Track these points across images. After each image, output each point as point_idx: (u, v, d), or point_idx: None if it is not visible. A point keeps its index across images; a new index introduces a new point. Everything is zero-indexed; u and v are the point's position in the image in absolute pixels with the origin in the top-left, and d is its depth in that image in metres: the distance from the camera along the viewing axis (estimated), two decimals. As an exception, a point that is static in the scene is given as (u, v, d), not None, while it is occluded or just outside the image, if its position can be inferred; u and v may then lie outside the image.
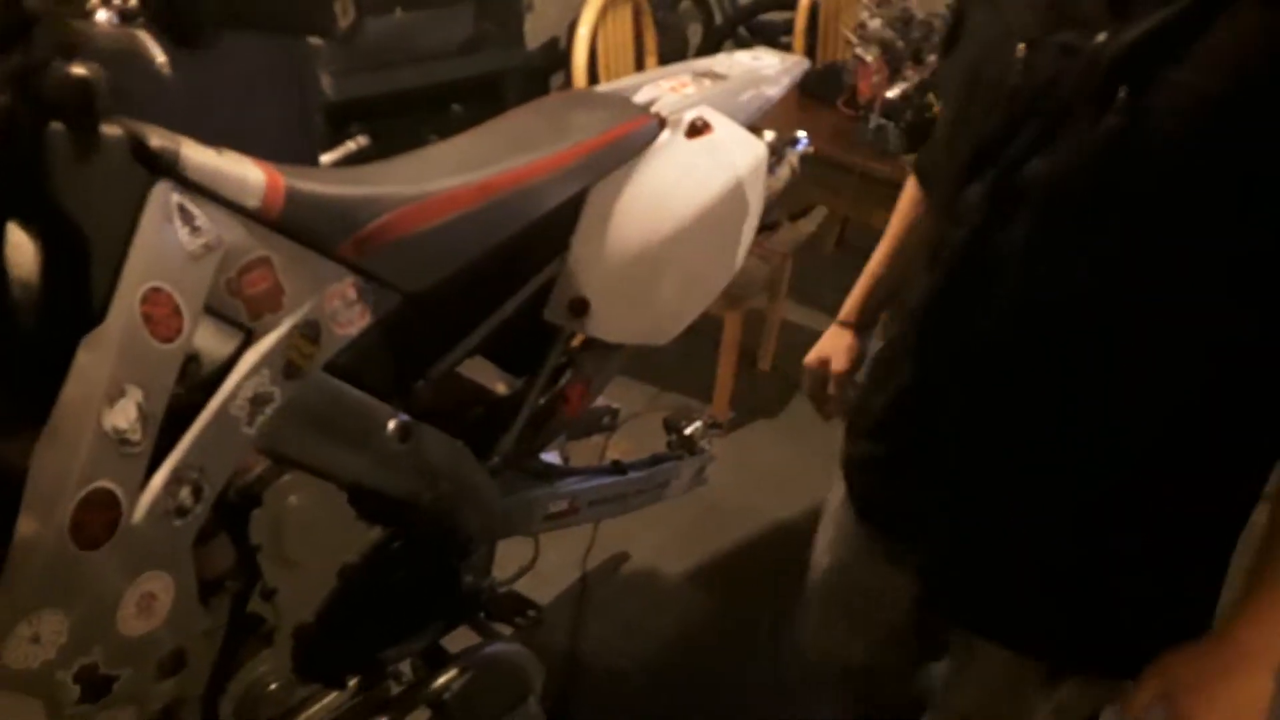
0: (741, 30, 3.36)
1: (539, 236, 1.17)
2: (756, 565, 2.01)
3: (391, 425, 1.08)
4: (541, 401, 1.30)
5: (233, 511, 0.98)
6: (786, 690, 1.75)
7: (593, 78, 2.12)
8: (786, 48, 3.18)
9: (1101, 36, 0.79)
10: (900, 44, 2.20)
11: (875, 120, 2.12)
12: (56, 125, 0.76)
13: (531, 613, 1.34)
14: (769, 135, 1.40)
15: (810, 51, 2.62)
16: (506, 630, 1.37)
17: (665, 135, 1.28)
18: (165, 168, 0.83)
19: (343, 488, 1.09)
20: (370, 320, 1.02)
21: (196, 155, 0.86)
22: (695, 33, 3.48)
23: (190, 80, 0.78)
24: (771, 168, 1.39)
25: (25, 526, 0.75)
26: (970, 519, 0.98)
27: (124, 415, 0.79)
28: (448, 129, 3.09)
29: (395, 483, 1.12)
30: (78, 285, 0.79)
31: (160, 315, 0.82)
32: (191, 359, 0.87)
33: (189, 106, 0.98)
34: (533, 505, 1.36)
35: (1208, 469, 0.89)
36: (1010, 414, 0.92)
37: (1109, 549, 0.93)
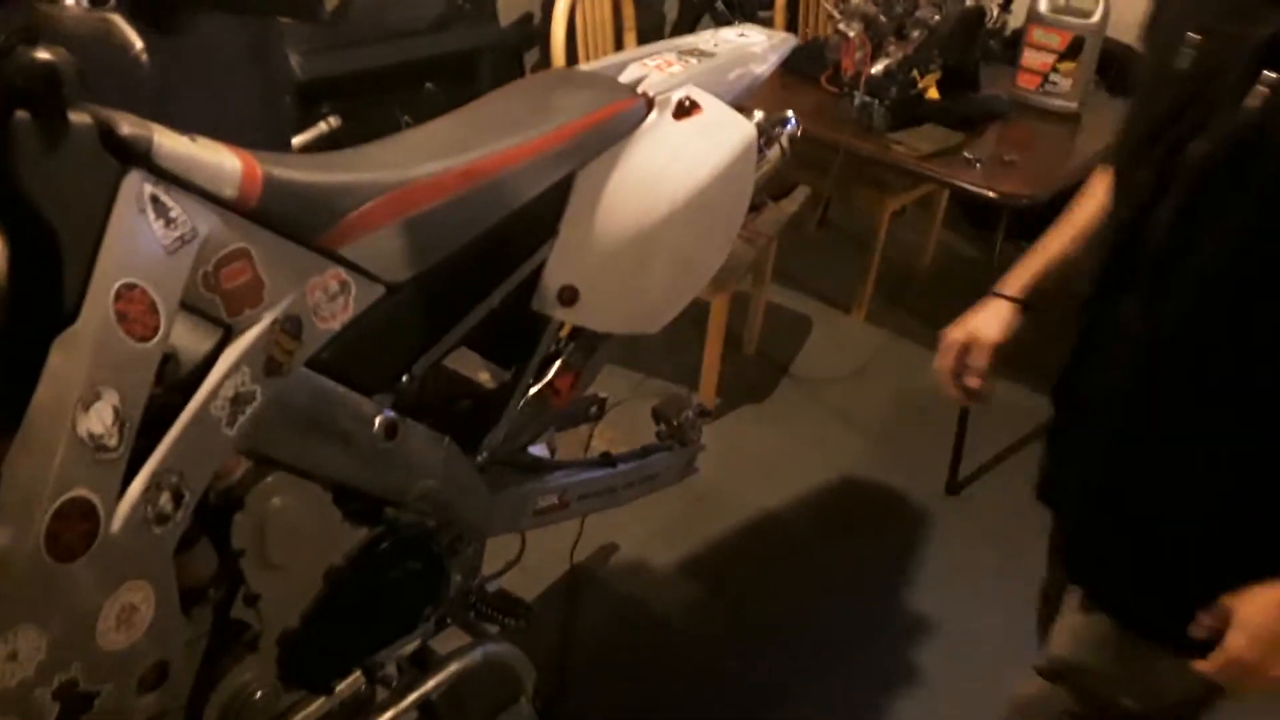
0: (719, 4, 3.30)
1: (526, 223, 1.13)
2: (746, 554, 1.99)
3: (377, 422, 1.04)
4: (530, 393, 1.26)
5: (214, 516, 0.94)
6: (778, 681, 1.74)
7: (570, 55, 2.07)
8: (765, 22, 3.13)
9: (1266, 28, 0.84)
10: (883, 19, 2.16)
11: (860, 98, 2.08)
12: (21, 114, 0.71)
13: (522, 613, 1.30)
14: (758, 115, 1.36)
15: (790, 27, 2.58)
16: (495, 629, 1.34)
17: (653, 116, 1.24)
18: (137, 157, 0.78)
19: (327, 487, 1.05)
20: (353, 313, 0.98)
21: (169, 143, 0.81)
22: (672, 7, 3.42)
23: (156, 63, 0.73)
24: (760, 149, 1.35)
25: None
26: (1112, 491, 1.04)
27: (99, 420, 0.75)
28: (421, 108, 3.04)
29: (381, 481, 1.09)
30: (48, 283, 0.75)
31: (135, 313, 0.77)
32: (168, 358, 0.82)
33: (155, 90, 0.93)
34: (522, 501, 1.33)
35: None
36: (1158, 397, 0.97)
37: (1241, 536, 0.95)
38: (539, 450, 1.45)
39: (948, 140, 2.05)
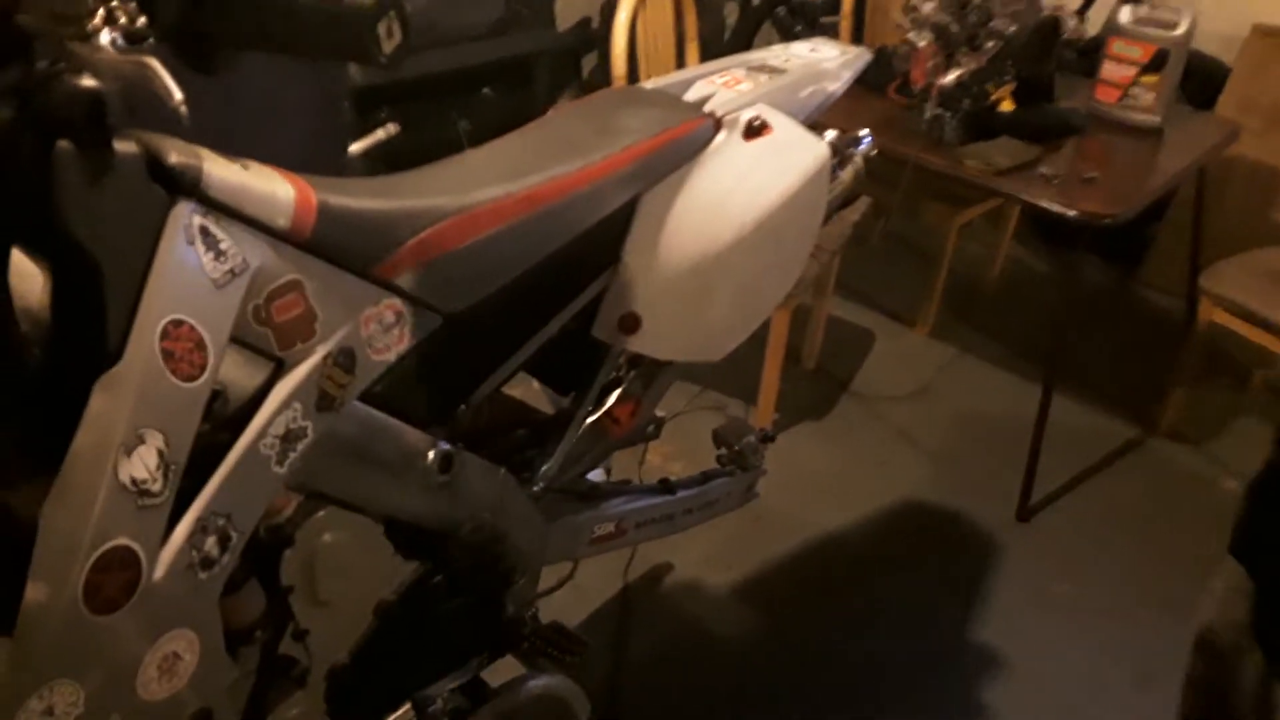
0: (780, 10, 3.23)
1: (587, 249, 1.09)
2: (805, 579, 1.93)
3: (432, 456, 1.00)
4: (588, 422, 1.22)
5: (262, 553, 0.91)
6: (836, 714, 1.67)
7: (631, 62, 2.02)
8: (829, 29, 3.06)
9: None
10: (955, 29, 2.08)
11: (931, 110, 2.01)
12: (64, 144, 0.68)
13: (577, 648, 1.26)
14: (830, 134, 1.30)
15: (856, 35, 2.50)
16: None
17: (721, 137, 1.19)
18: (186, 187, 0.75)
19: (378, 521, 1.02)
20: (409, 345, 0.94)
21: (220, 172, 0.78)
22: (733, 12, 3.36)
23: (203, 99, 0.69)
24: (833, 169, 1.29)
25: (34, 593, 0.67)
26: None
27: (143, 464, 0.71)
28: (478, 113, 3.02)
29: (435, 515, 1.05)
30: (90, 320, 0.72)
31: (182, 351, 0.74)
32: (216, 394, 0.79)
33: (209, 102, 0.90)
34: (578, 529, 1.28)
35: None
36: None
37: None
38: (594, 472, 1.40)
39: (1023, 155, 1.97)
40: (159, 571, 0.74)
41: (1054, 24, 2.18)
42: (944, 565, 1.99)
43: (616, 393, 1.24)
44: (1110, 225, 1.84)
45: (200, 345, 0.75)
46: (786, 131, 1.22)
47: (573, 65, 3.26)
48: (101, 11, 0.63)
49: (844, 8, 2.52)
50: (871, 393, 2.42)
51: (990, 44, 2.06)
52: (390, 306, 0.92)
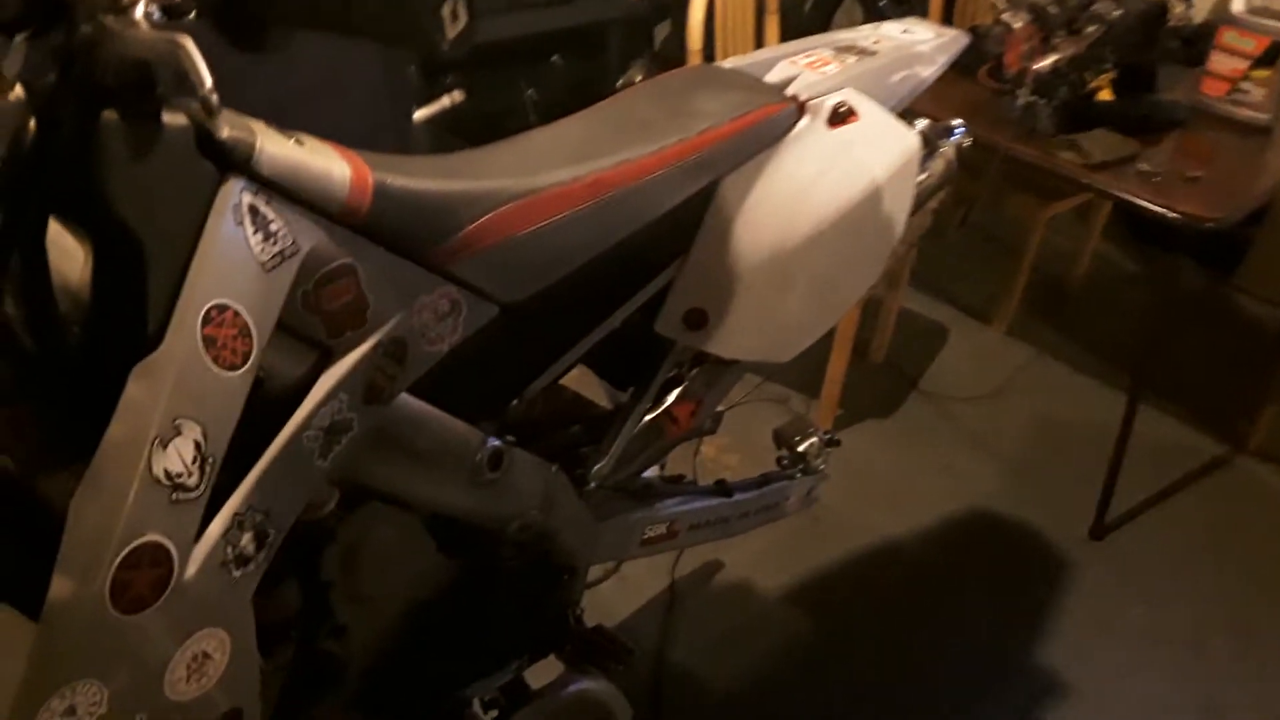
0: (864, -16, 3.10)
1: (656, 239, 1.02)
2: (860, 586, 1.85)
3: (482, 452, 0.95)
4: (646, 420, 1.16)
5: (301, 548, 0.86)
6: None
7: (708, 36, 1.94)
8: (916, 6, 2.92)
9: None
10: (1054, 11, 1.95)
11: (1024, 96, 1.89)
12: (110, 113, 0.64)
13: (622, 655, 1.21)
14: (921, 123, 1.22)
15: (946, 14, 2.37)
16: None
17: (804, 122, 1.11)
18: (237, 163, 0.70)
19: (422, 516, 0.97)
20: (463, 335, 0.89)
21: (273, 147, 0.73)
22: (813, -14, 3.23)
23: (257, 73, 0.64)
24: (922, 160, 1.21)
25: (59, 588, 0.64)
26: None
27: (178, 457, 0.67)
28: (545, 82, 2.95)
29: (482, 512, 1.00)
30: (131, 302, 0.67)
31: (225, 337, 0.69)
32: (258, 382, 0.75)
33: (268, 68, 0.85)
34: (629, 529, 1.23)
35: None
36: None
37: None
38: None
39: (1121, 149, 1.84)
40: (191, 569, 0.70)
41: (1161, 9, 2.03)
42: (1009, 580, 1.90)
43: (677, 391, 1.18)
44: (1214, 229, 1.71)
45: (244, 332, 0.71)
46: (875, 119, 1.13)
47: (645, 35, 3.17)
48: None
49: (934, -15, 2.39)
50: (942, 392, 2.32)
51: (1091, 29, 1.93)
52: (445, 295, 0.87)
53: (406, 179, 0.83)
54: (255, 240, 0.71)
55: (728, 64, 1.20)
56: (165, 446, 0.66)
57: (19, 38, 0.57)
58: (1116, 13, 1.92)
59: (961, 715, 1.64)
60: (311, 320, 0.77)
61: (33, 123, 0.62)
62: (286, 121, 0.78)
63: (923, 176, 1.21)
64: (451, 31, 0.61)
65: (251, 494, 0.74)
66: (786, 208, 1.08)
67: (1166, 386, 2.28)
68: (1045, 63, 1.91)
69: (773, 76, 1.16)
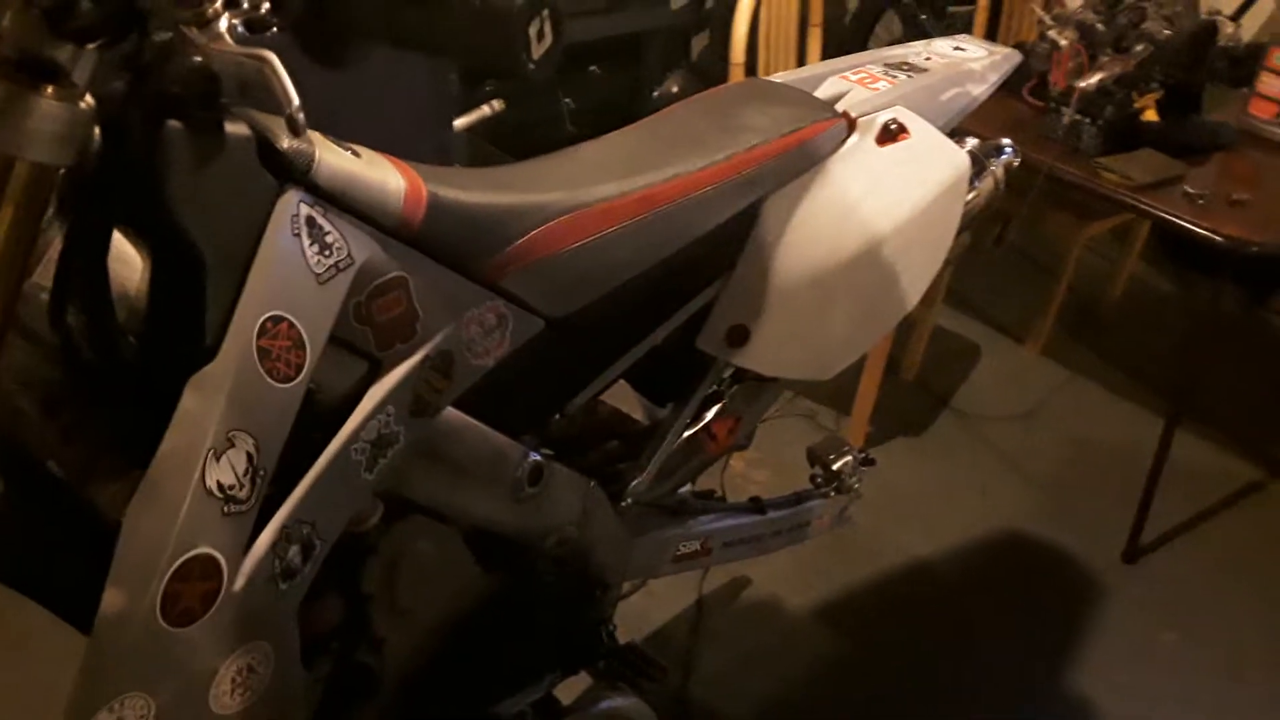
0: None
1: (702, 255, 1.02)
2: (890, 606, 1.83)
3: (522, 466, 0.95)
4: (684, 436, 1.15)
5: (344, 560, 0.86)
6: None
7: (751, 49, 1.93)
8: (957, 21, 2.91)
9: None
10: (1101, 28, 1.93)
11: (1070, 115, 1.87)
12: (174, 122, 0.64)
13: (656, 674, 1.20)
14: (971, 142, 1.20)
15: (991, 28, 2.35)
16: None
17: (853, 139, 1.10)
18: (297, 174, 0.70)
19: (461, 530, 0.97)
20: (508, 349, 0.89)
21: (331, 158, 0.73)
22: (856, -1, 3.22)
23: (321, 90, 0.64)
24: (971, 180, 1.19)
25: (111, 600, 0.64)
26: None
27: (231, 469, 0.67)
28: (583, 91, 2.94)
29: (520, 526, 1.00)
30: (188, 313, 0.67)
31: (279, 349, 0.69)
32: (308, 394, 0.74)
33: (314, 76, 0.85)
34: (663, 546, 1.22)
35: None
36: None
37: None
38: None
39: (1167, 170, 1.82)
40: (239, 582, 0.70)
41: (1211, 29, 2.00)
42: (1041, 603, 1.87)
43: (716, 407, 1.17)
44: (1259, 253, 1.69)
45: (298, 344, 0.70)
46: (925, 138, 1.12)
47: (682, 46, 3.17)
48: (223, -3, 0.57)
49: (978, -1, 2.37)
50: (974, 411, 2.30)
51: (1140, 48, 1.90)
52: (493, 309, 0.86)
53: (459, 192, 0.83)
54: (311, 252, 0.71)
55: (778, 78, 1.19)
56: (219, 459, 0.66)
57: (90, 46, 0.57)
58: (1166, 32, 1.89)
59: (991, 740, 1.62)
60: (362, 332, 0.77)
61: (98, 131, 0.62)
62: (331, 130, 0.77)
63: (971, 196, 1.20)
64: (537, 51, 0.60)
65: (299, 507, 0.73)
66: (833, 225, 1.07)
67: (1202, 409, 2.25)
68: (1091, 81, 1.89)
69: (823, 92, 1.16)
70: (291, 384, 0.70)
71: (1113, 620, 1.84)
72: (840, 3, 3.19)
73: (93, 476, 0.69)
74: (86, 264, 0.65)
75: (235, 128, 0.67)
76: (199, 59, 0.62)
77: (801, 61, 2.01)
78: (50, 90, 0.57)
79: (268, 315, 0.69)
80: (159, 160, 0.64)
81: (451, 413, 0.86)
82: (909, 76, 1.18)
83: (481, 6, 0.57)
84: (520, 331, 0.89)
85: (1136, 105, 1.94)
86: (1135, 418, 2.30)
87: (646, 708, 1.25)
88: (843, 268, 1.07)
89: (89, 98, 0.59)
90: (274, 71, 0.59)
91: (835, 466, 1.44)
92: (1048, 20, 1.95)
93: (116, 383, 0.69)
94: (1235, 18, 2.30)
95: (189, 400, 0.65)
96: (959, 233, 1.19)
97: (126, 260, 0.68)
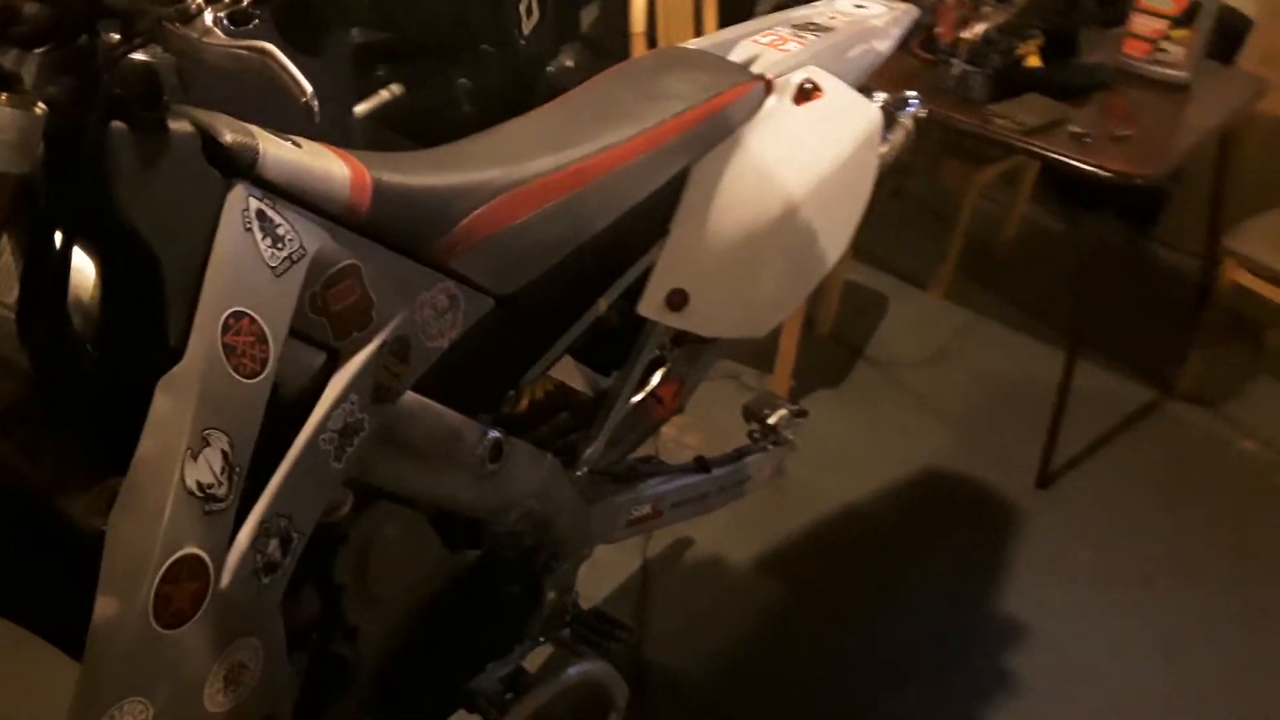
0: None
1: (638, 222, 1.04)
2: (826, 550, 1.90)
3: (484, 444, 0.96)
4: (632, 403, 1.18)
5: (318, 552, 0.86)
6: (862, 688, 1.66)
7: (650, 19, 1.94)
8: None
9: None
10: (981, -20, 2.02)
11: (959, 66, 1.95)
12: (118, 124, 0.63)
13: (622, 634, 1.23)
14: (880, 97, 1.25)
15: (875, -12, 2.42)
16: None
17: (771, 101, 1.14)
18: (243, 168, 0.70)
19: (426, 512, 0.97)
20: (462, 329, 0.89)
21: (275, 150, 0.72)
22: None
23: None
24: (883, 133, 1.24)
25: (104, 608, 0.63)
26: None
27: (209, 468, 0.67)
28: (477, 71, 2.91)
29: (485, 503, 1.01)
30: (149, 315, 0.66)
31: (244, 345, 0.69)
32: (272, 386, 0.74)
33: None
34: (616, 512, 1.25)
35: None
36: None
37: None
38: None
39: (1053, 113, 1.92)
40: (225, 579, 0.70)
41: (1081, -25, 2.11)
42: (965, 534, 1.97)
43: (661, 372, 1.20)
44: (1144, 185, 1.80)
45: (261, 338, 0.70)
46: (838, 95, 1.16)
47: (573, 19, 3.16)
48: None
49: (859, -41, 2.43)
50: (888, 358, 2.39)
51: (1019, -3, 2.00)
52: (444, 290, 0.87)
53: (402, 176, 0.83)
54: (265, 245, 0.71)
55: (692, 45, 1.21)
56: (196, 458, 0.66)
57: (38, 51, 0.56)
58: (1041, -20, 1.99)
59: (928, 662, 1.70)
60: (319, 323, 0.76)
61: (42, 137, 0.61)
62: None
63: (884, 149, 1.25)
64: (528, 27, 0.61)
65: (275, 500, 0.73)
66: (759, 185, 1.10)
67: (1096, 338, 2.38)
68: (976, 31, 1.97)
69: (736, 56, 1.18)
70: (258, 379, 0.70)
71: (1031, 542, 1.95)
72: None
73: (64, 490, 0.67)
74: (49, 276, 0.63)
75: (179, 126, 0.66)
76: (139, 57, 0.61)
77: (699, 28, 2.04)
78: (4, 97, 0.55)
79: (230, 312, 0.68)
80: (107, 163, 0.63)
81: (411, 396, 0.87)
82: (817, 36, 1.22)
83: (472, -14, 0.57)
84: (472, 311, 0.90)
85: (1019, 52, 2.03)
86: (1037, 351, 2.42)
87: (612, 669, 1.28)
88: (771, 225, 1.11)
89: (41, 104, 0.57)
90: (279, 62, 0.58)
91: (771, 421, 1.48)
92: (931, -25, 2.02)
93: (79, 393, 0.68)
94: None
95: (161, 402, 0.65)
96: (877, 183, 1.24)
97: (77, 268, 0.67)
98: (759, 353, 2.23)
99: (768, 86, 1.13)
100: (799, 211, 1.12)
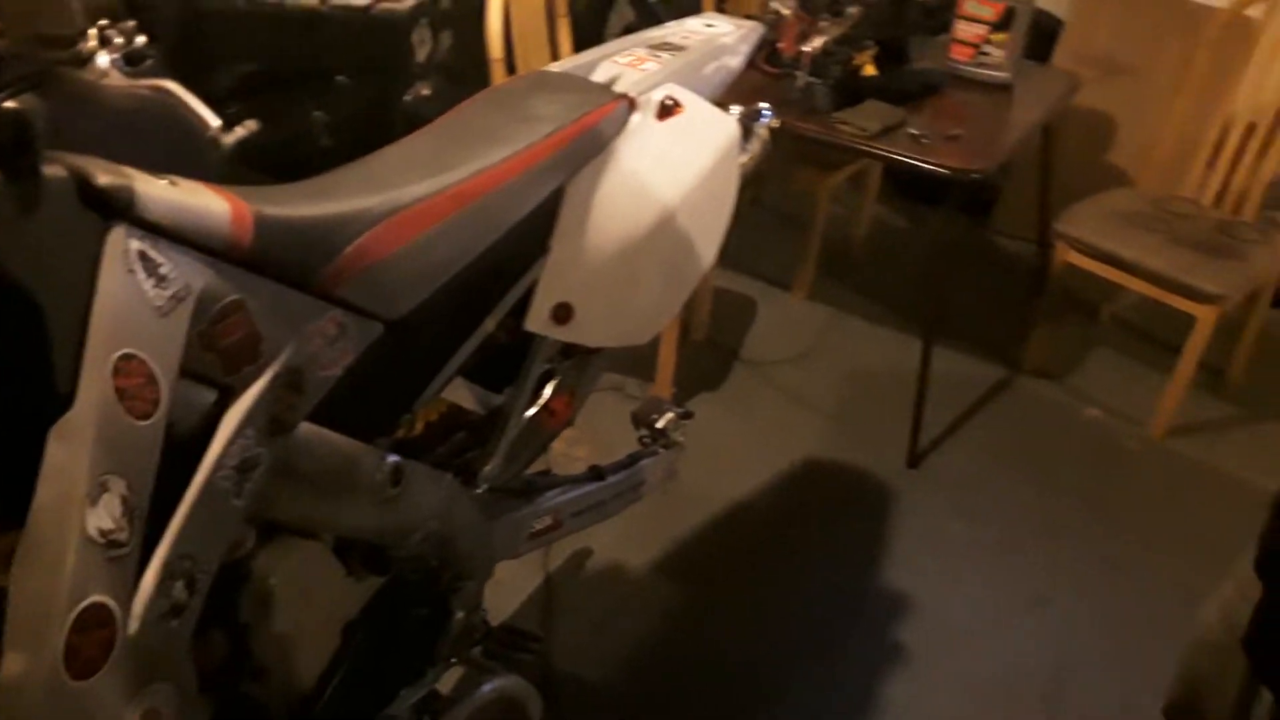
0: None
1: (518, 242, 1.07)
2: (719, 547, 1.97)
3: (383, 469, 0.96)
4: (526, 417, 1.20)
5: (221, 592, 0.85)
6: (766, 673, 1.72)
7: (507, 44, 1.97)
8: (684, 2, 3.07)
9: None
10: (817, -3, 2.14)
11: (803, 78, 2.05)
12: None
13: (532, 645, 1.24)
14: (736, 110, 1.32)
15: (718, 8, 2.52)
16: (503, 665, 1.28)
17: (636, 118, 1.18)
18: (120, 210, 0.69)
19: (329, 543, 0.97)
20: (353, 357, 0.90)
21: (150, 190, 0.72)
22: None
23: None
24: (741, 144, 1.31)
25: (12, 664, 0.61)
26: None
27: (109, 513, 0.66)
28: (334, 103, 2.87)
29: (386, 529, 1.01)
30: (36, 364, 0.65)
31: (135, 387, 0.68)
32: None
33: (66, 118, 0.82)
34: (518, 526, 1.27)
35: None
36: None
37: None
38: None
39: (891, 117, 2.05)
40: (134, 625, 0.69)
41: (905, -12, 2.26)
42: (846, 518, 2.07)
43: (551, 385, 1.23)
44: (979, 179, 1.94)
45: (152, 379, 0.70)
46: (697, 109, 1.22)
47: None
48: (94, 32, 0.56)
49: (702, -21, 2.53)
50: (761, 359, 2.48)
51: (851, 10, 2.12)
52: (332, 319, 0.88)
53: (282, 207, 0.83)
54: (148, 285, 0.71)
55: (556, 68, 1.25)
56: (95, 504, 0.65)
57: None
58: (873, -6, 2.12)
59: (827, 641, 1.78)
60: (209, 359, 0.76)
61: None
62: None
63: (744, 158, 1.31)
64: (422, 55, 0.63)
65: (178, 541, 0.73)
66: (632, 198, 1.15)
67: (950, 326, 2.55)
68: (815, 44, 2.09)
69: (598, 76, 1.23)
70: (151, 420, 0.70)
71: (906, 519, 2.07)
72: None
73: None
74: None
75: (52, 170, 0.66)
76: (6, 104, 0.60)
77: (555, 52, 2.08)
78: None
79: (118, 354, 0.68)
80: None
81: (308, 427, 0.87)
82: (673, 55, 1.28)
83: (368, 20, 0.59)
84: (362, 338, 0.91)
85: (856, 62, 2.16)
86: (896, 342, 2.56)
87: (524, 682, 1.29)
88: (645, 236, 1.15)
89: None
90: (180, 99, 0.58)
91: (660, 425, 1.53)
92: (769, -6, 2.13)
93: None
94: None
95: (55, 450, 0.64)
96: (739, 191, 1.31)
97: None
98: (639, 362, 2.29)
99: (631, 104, 1.18)
100: (670, 221, 1.17)
